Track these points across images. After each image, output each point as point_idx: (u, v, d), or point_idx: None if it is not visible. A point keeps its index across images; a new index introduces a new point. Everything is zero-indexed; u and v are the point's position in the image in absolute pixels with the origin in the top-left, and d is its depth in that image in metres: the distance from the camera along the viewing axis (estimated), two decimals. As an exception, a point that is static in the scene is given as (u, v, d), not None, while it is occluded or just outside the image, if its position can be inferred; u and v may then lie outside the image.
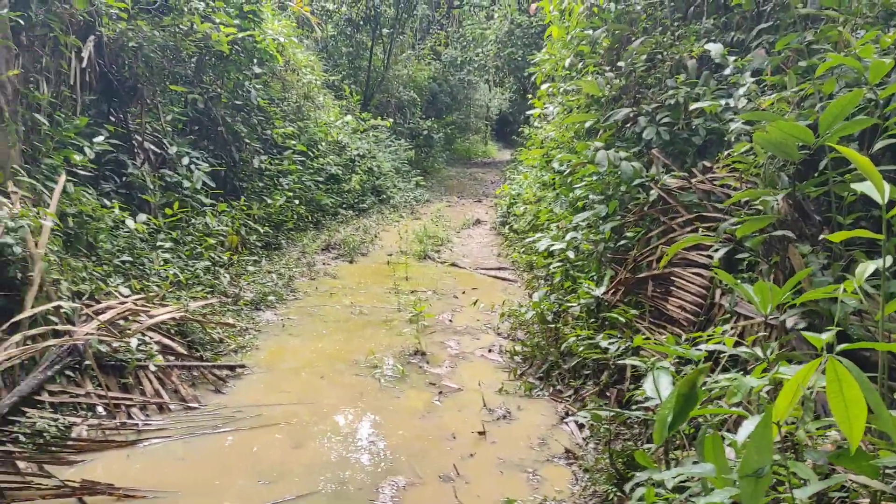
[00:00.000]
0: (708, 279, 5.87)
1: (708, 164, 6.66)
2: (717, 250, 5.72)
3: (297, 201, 13.68)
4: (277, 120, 14.84)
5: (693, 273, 6.04)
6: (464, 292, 10.47)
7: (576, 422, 5.84)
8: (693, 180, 6.47)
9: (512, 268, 11.95)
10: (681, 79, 7.07)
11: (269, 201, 12.77)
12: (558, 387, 6.68)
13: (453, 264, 12.40)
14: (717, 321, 5.58)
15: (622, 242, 7.07)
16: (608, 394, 6.12)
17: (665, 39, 7.80)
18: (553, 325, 7.33)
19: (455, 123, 32.24)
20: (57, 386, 5.64)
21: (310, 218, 14.32)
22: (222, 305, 8.48)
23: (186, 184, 10.43)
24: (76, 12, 7.64)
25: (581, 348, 6.34)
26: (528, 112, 13.81)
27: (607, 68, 8.50)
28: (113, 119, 10.08)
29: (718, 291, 5.72)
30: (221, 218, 10.65)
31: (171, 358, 6.66)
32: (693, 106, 6.24)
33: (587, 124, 8.42)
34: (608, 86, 8.06)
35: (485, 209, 18.98)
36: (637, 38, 8.56)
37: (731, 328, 5.28)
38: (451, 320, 9.04)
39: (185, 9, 10.20)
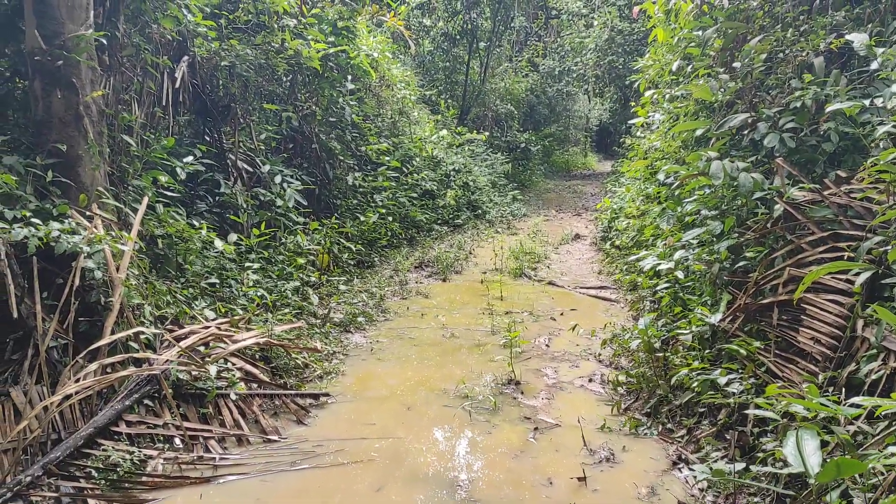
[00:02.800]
0: (847, 307, 5.07)
1: (843, 173, 5.83)
2: (857, 274, 4.92)
3: (390, 218, 13.43)
4: (372, 136, 14.68)
5: (828, 300, 5.24)
6: (562, 314, 9.84)
7: (691, 471, 5.14)
8: (825, 193, 5.66)
9: (614, 287, 11.21)
10: (810, 78, 6.25)
11: (363, 218, 12.55)
12: (668, 425, 5.98)
13: (551, 283, 11.77)
14: (859, 357, 4.79)
15: (741, 263, 6.30)
16: (727, 436, 5.37)
17: (788, 36, 6.98)
18: (661, 354, 6.63)
19: (553, 135, 31.48)
20: (135, 416, 5.45)
21: (403, 235, 14.05)
22: (310, 328, 8.22)
23: (279, 202, 10.32)
24: (166, 32, 7.60)
25: (695, 383, 5.62)
26: (631, 122, 13.07)
27: (720, 70, 7.73)
28: (208, 139, 10.10)
29: (860, 322, 4.91)
30: (313, 236, 10.48)
31: (254, 385, 6.40)
32: (829, 108, 5.44)
33: (698, 132, 7.67)
34: (721, 89, 7.31)
35: (584, 223, 18.21)
36: (753, 36, 7.78)
37: (880, 367, 4.48)
38: (547, 345, 8.44)
39: (276, 26, 10.12)
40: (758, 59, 7.12)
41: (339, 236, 11.21)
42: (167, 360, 5.73)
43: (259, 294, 8.08)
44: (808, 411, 3.55)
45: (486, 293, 10.52)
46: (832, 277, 5.30)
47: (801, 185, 5.86)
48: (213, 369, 5.92)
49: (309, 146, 12.20)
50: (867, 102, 5.45)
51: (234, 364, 6.40)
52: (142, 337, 5.88)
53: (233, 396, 5.97)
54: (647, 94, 10.31)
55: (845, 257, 5.11)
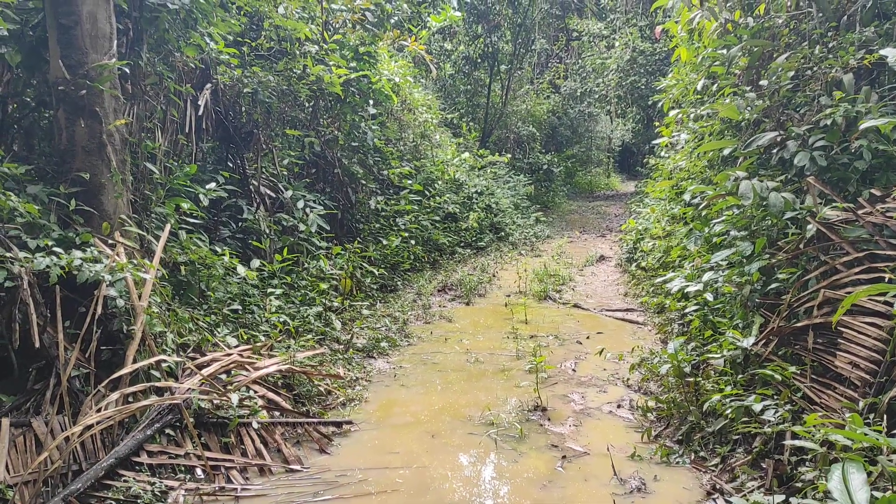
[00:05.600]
0: (886, 330, 4.88)
1: (877, 192, 5.66)
2: (897, 296, 4.74)
3: (413, 241, 13.38)
4: (394, 160, 14.70)
5: (865, 323, 5.06)
6: (588, 337, 9.67)
7: (727, 502, 4.95)
8: (860, 212, 5.49)
9: (640, 309, 11.02)
10: (840, 95, 6.11)
11: (385, 242, 12.51)
12: (701, 453, 5.78)
13: (576, 305, 11.61)
14: (901, 383, 4.60)
15: (773, 285, 6.13)
16: (763, 465, 5.17)
17: (816, 52, 6.85)
18: (692, 379, 6.45)
19: (575, 156, 31.41)
20: (156, 445, 5.39)
21: (426, 258, 13.98)
22: (333, 353, 8.14)
23: (302, 227, 10.30)
24: (189, 60, 7.66)
25: (728, 410, 5.44)
26: (655, 142, 12.95)
27: (747, 89, 7.61)
28: (231, 165, 10.14)
29: (902, 346, 4.72)
30: (336, 261, 10.44)
31: (276, 413, 6.32)
32: (863, 125, 5.30)
33: (725, 151, 7.53)
34: (748, 108, 7.18)
35: (609, 244, 18.03)
36: (779, 53, 7.65)
37: (924, 394, 4.29)
38: (574, 369, 8.28)
39: (298, 52, 10.18)
40: (785, 76, 6.99)
41: (361, 260, 11.16)
42: (189, 389, 5.67)
43: (282, 320, 8.03)
44: (851, 442, 3.38)
45: (510, 317, 10.38)
46: (870, 299, 5.12)
47: (833, 204, 5.70)
48: (234, 398, 5.85)
49: (331, 171, 12.23)
50: (902, 119, 5.29)
51: (256, 392, 6.32)
52: (163, 365, 5.84)
53: (255, 425, 5.89)
54: (672, 113, 10.19)
55: (887, 279, 4.93)
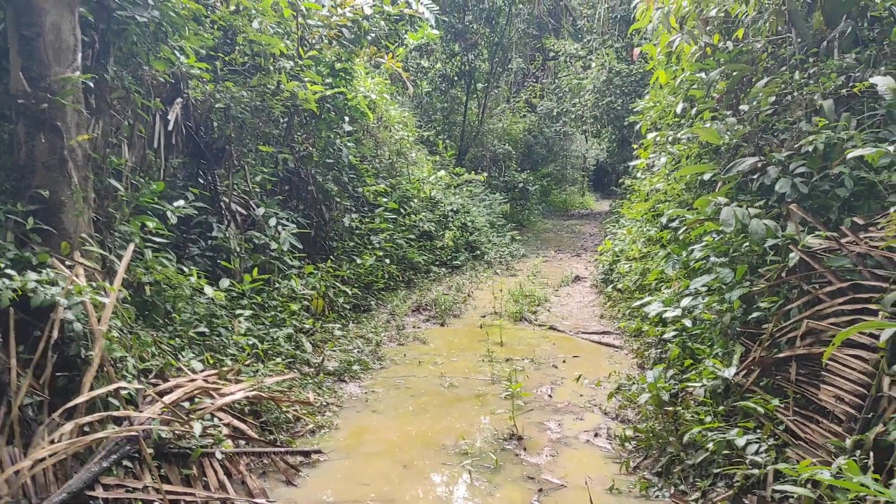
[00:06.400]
0: (872, 363, 4.78)
1: (859, 220, 5.59)
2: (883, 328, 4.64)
3: (387, 260, 13.16)
4: (369, 177, 14.51)
5: (850, 355, 4.95)
6: (564, 361, 9.51)
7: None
8: (843, 241, 5.41)
9: (617, 332, 10.90)
10: (823, 122, 6.05)
11: (359, 261, 12.28)
12: (681, 486, 5.61)
13: (552, 327, 11.45)
14: (887, 418, 4.48)
15: (754, 314, 6.02)
16: (745, 500, 5.03)
17: (797, 78, 6.81)
18: (671, 409, 6.30)
19: (551, 175, 31.50)
20: (113, 478, 5.09)
21: (401, 277, 13.75)
22: (303, 377, 7.88)
23: (273, 246, 10.03)
24: (158, 74, 7.41)
25: (710, 444, 5.29)
26: (631, 163, 12.92)
27: (728, 113, 7.56)
28: (202, 181, 9.86)
29: (887, 380, 4.61)
30: (308, 280, 10.18)
31: (241, 443, 6.05)
32: (850, 154, 5.22)
33: (705, 176, 7.45)
34: (728, 132, 7.12)
35: (584, 264, 17.95)
36: (758, 78, 7.62)
37: (912, 431, 4.18)
38: (550, 395, 8.10)
39: (273, 68, 9.97)
40: (765, 101, 6.93)
41: (334, 280, 10.93)
42: (149, 418, 5.39)
43: (250, 343, 7.76)
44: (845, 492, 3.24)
45: (485, 338, 10.18)
46: (853, 331, 5.01)
47: (816, 232, 5.61)
48: (197, 427, 5.57)
49: (305, 188, 12.00)
50: (891, 148, 5.20)
51: (221, 419, 6.05)
52: (123, 392, 5.55)
53: (218, 455, 5.62)
54: (650, 136, 10.14)
55: (880, 315, 4.82)
